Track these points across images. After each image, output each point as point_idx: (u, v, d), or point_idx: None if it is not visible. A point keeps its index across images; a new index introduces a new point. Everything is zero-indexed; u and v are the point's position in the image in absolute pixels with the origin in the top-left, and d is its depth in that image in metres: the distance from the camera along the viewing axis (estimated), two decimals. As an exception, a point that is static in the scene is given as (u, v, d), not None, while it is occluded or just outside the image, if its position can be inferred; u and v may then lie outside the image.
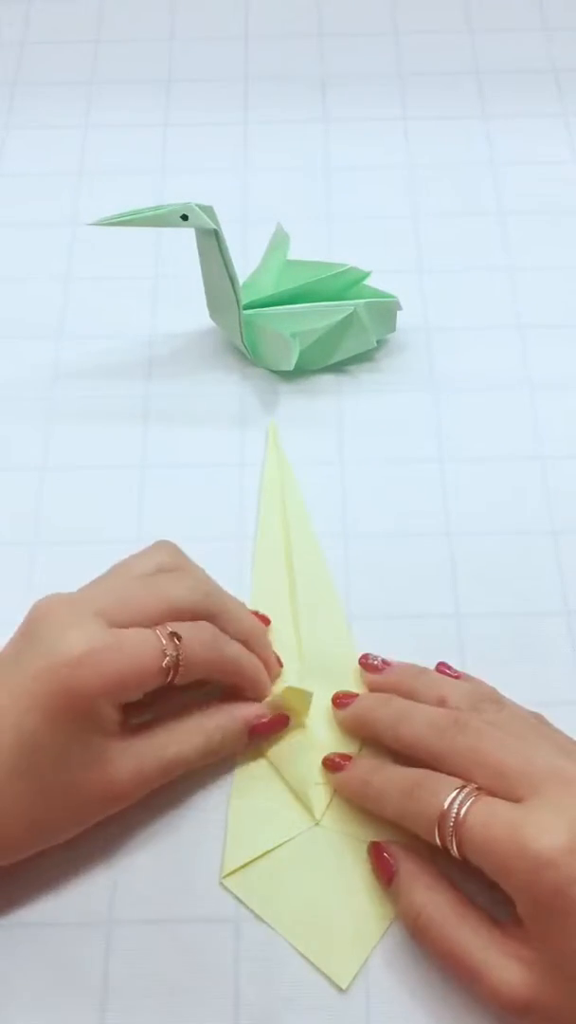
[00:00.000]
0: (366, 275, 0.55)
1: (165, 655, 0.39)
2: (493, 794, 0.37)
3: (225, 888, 0.41)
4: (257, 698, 0.43)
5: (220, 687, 0.43)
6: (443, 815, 0.37)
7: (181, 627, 0.40)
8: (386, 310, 0.55)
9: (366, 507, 0.51)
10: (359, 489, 0.52)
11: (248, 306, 0.53)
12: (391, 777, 0.40)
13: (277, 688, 0.44)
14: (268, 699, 0.44)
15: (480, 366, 0.56)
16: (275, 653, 0.45)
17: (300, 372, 0.55)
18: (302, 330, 0.53)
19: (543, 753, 0.38)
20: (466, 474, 0.52)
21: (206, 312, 0.54)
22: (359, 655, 0.46)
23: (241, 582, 0.48)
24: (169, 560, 0.43)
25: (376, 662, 0.45)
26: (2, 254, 0.61)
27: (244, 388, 0.55)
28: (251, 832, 0.42)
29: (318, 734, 0.44)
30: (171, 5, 0.73)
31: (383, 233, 0.61)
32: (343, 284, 0.54)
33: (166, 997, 0.39)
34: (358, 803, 0.42)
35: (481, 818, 0.36)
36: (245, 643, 0.43)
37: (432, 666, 0.44)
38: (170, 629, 0.40)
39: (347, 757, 0.42)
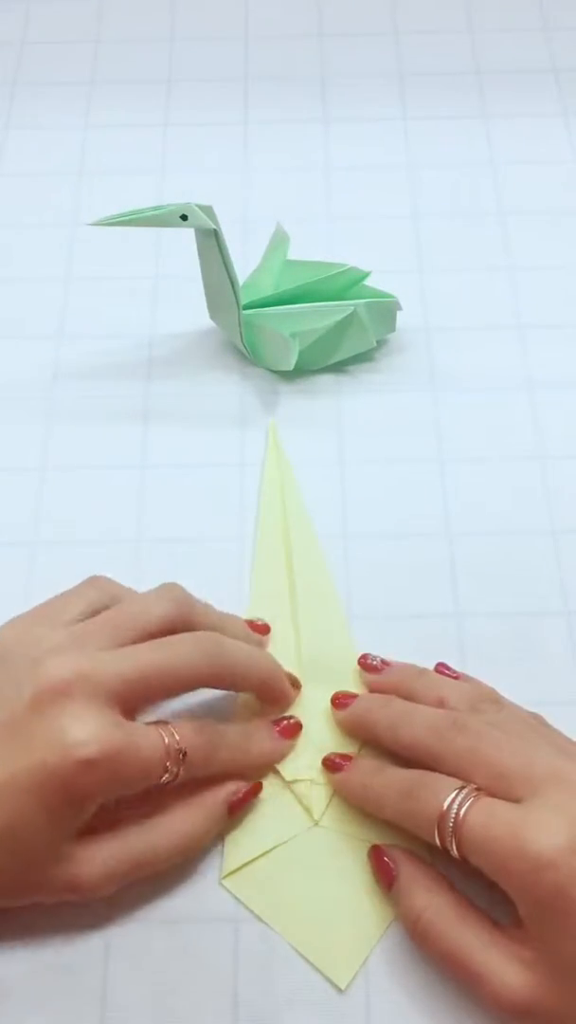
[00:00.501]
0: (366, 275, 0.55)
1: (167, 770, 0.38)
2: (493, 795, 0.37)
3: (224, 888, 0.41)
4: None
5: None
6: (443, 816, 0.36)
7: (188, 741, 0.39)
8: (386, 310, 0.55)
9: (366, 507, 0.51)
10: (359, 489, 0.52)
11: (248, 306, 0.53)
12: (390, 778, 0.40)
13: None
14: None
15: (480, 366, 0.56)
16: (288, 690, 0.44)
17: (300, 372, 0.55)
18: (302, 330, 0.53)
19: (543, 753, 0.38)
20: (466, 474, 0.52)
21: (206, 312, 0.54)
22: (359, 655, 0.46)
23: (241, 582, 0.48)
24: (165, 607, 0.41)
25: (375, 662, 0.45)
26: (2, 254, 0.61)
27: (244, 388, 0.55)
28: (250, 832, 0.42)
29: (318, 734, 0.44)
30: (171, 5, 0.73)
31: (383, 233, 0.61)
32: (343, 284, 0.54)
33: (166, 997, 0.39)
34: (357, 804, 0.41)
35: (481, 818, 0.36)
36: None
37: (432, 666, 0.44)
38: (177, 746, 0.38)
39: (347, 757, 0.42)
